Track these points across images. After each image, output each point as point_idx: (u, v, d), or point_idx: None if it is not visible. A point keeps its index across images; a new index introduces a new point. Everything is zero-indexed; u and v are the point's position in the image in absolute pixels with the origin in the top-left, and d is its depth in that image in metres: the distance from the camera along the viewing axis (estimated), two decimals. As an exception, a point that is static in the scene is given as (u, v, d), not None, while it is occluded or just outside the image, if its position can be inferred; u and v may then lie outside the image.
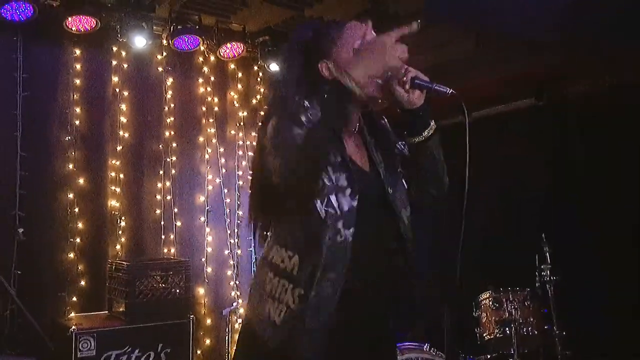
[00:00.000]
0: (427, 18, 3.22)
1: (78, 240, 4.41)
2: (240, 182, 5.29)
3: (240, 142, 5.33)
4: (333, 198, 1.68)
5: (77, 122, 4.50)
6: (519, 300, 3.95)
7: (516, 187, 4.73)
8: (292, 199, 1.71)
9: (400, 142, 1.95)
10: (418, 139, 1.84)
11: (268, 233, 1.84)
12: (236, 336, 4.95)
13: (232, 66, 5.30)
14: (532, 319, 3.91)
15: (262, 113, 5.23)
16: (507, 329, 3.88)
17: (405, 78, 1.76)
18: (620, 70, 4.06)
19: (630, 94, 4.24)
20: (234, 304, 5.00)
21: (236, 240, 5.21)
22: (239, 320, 5.11)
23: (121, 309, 4.09)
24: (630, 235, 4.24)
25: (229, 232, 5.17)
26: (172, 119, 4.96)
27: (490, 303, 4.00)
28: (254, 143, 5.22)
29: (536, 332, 3.88)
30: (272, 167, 1.65)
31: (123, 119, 4.73)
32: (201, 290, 4.94)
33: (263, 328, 1.70)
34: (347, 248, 1.67)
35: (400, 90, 1.77)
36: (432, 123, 1.85)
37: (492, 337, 3.93)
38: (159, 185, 4.86)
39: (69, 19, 4.24)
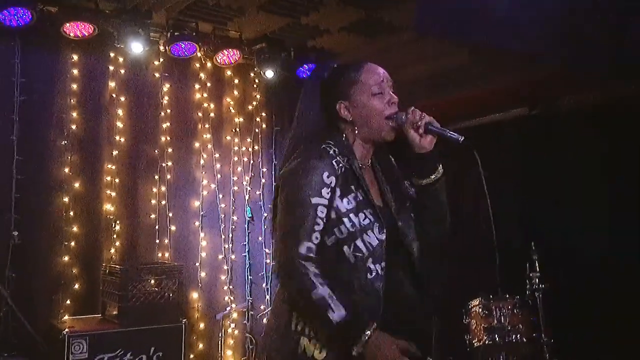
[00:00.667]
0: (417, 31, 3.28)
1: (73, 243, 4.45)
2: (235, 188, 5.33)
3: (236, 148, 5.38)
4: (359, 242, 1.77)
5: (74, 127, 4.55)
6: (508, 308, 3.98)
7: (506, 195, 4.77)
8: None
9: (406, 182, 2.02)
10: (426, 182, 1.92)
11: None
12: (229, 341, 5.03)
13: (229, 73, 5.35)
14: (521, 327, 3.94)
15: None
16: (496, 336, 3.91)
17: (420, 123, 1.85)
18: (608, 83, 4.12)
19: (621, 104, 4.30)
20: (227, 308, 5.04)
21: (230, 245, 5.25)
22: (232, 325, 5.15)
23: (114, 313, 4.13)
24: (620, 242, 4.28)
25: (223, 237, 5.20)
26: (168, 124, 5.01)
27: (480, 310, 4.03)
28: (249, 149, 5.35)
29: (525, 340, 3.91)
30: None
31: (119, 124, 4.78)
32: (195, 295, 4.98)
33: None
34: (379, 282, 1.77)
35: (414, 135, 1.87)
36: (440, 167, 1.93)
37: (481, 344, 3.97)
38: (154, 189, 4.90)
39: (67, 24, 4.29)
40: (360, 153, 1.92)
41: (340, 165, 1.82)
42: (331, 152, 1.83)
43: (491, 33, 2.97)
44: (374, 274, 1.77)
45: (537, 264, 3.94)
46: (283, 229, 1.83)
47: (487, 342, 3.94)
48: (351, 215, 1.78)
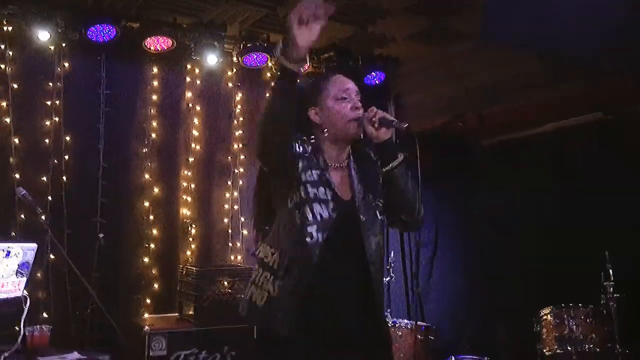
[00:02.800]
0: (484, 38, 3.29)
1: (152, 245, 4.69)
2: (304, 193, 5.43)
3: (305, 154, 5.49)
4: (307, 208, 2.04)
5: (154, 135, 4.81)
6: (581, 317, 3.92)
7: (581, 202, 4.67)
8: (267, 166, 2.12)
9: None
10: (386, 169, 2.17)
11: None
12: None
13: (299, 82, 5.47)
14: (594, 336, 3.87)
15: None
16: (568, 345, 3.85)
17: (374, 118, 2.13)
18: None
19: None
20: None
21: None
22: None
23: (190, 312, 4.32)
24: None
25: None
26: (240, 132, 5.19)
27: (551, 319, 3.99)
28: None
29: (598, 350, 3.83)
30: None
31: (195, 132, 5.00)
32: (265, 297, 5.12)
33: (243, 308, 2.13)
34: (317, 249, 2.01)
35: (370, 128, 2.14)
36: (400, 155, 2.17)
37: (552, 352, 3.92)
38: (227, 195, 5.10)
39: (148, 39, 4.54)
40: (329, 153, 2.17)
41: (308, 148, 2.12)
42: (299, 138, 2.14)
43: (558, 40, 2.95)
44: (313, 239, 2.01)
45: (611, 273, 3.86)
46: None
47: (558, 351, 3.89)
48: (308, 185, 2.05)
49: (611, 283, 3.85)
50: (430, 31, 4.66)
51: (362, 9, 4.42)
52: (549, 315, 4.02)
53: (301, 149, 2.10)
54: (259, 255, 2.15)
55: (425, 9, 4.36)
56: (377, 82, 5.37)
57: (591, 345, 3.84)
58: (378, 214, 2.18)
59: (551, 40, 2.96)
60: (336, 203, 2.08)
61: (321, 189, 2.07)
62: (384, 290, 2.25)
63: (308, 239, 2.01)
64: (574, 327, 3.89)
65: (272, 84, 2.17)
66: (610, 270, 3.85)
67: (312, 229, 2.02)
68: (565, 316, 3.95)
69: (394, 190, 2.17)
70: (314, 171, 2.09)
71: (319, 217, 2.03)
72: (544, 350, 4.00)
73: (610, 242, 3.97)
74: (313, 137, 2.18)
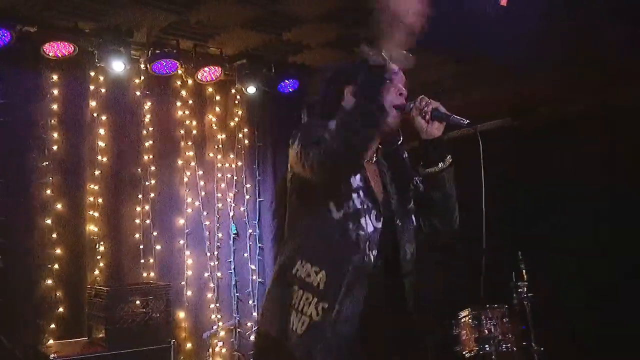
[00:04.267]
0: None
1: (56, 266, 4.37)
2: (220, 205, 5.29)
3: (219, 165, 5.35)
4: (364, 220, 1.76)
5: (55, 147, 4.48)
6: (498, 317, 4.03)
7: (492, 204, 4.82)
8: (327, 182, 1.78)
9: (417, 178, 2.00)
10: (432, 170, 1.91)
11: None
12: (217, 359, 4.97)
13: (210, 89, 5.34)
14: (510, 336, 3.99)
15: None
16: (486, 346, 3.95)
17: (426, 109, 1.86)
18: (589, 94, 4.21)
19: (602, 115, 4.40)
20: (215, 327, 4.99)
21: (216, 262, 5.21)
22: (220, 344, 5.10)
23: (101, 335, 4.05)
24: (607, 252, 4.35)
25: (208, 254, 5.16)
26: (150, 142, 4.97)
27: (470, 320, 4.07)
28: (233, 165, 5.33)
29: (515, 349, 3.96)
30: (306, 164, 1.75)
31: (101, 143, 4.73)
32: (181, 314, 4.92)
33: (286, 337, 1.77)
34: (370, 269, 1.77)
35: (421, 121, 1.88)
36: (449, 157, 1.92)
37: (472, 354, 4.00)
38: (138, 209, 4.85)
39: (46, 44, 4.24)
40: None
41: None
42: None
43: (477, 45, 3.03)
44: (368, 257, 1.77)
45: (524, 273, 4.00)
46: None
47: (477, 352, 3.97)
48: (360, 192, 1.79)
49: (524, 283, 3.99)
50: (343, 39, 4.66)
51: (276, 17, 4.35)
52: (467, 318, 4.10)
53: None
54: (296, 274, 1.80)
55: (338, 18, 4.36)
56: (290, 90, 5.32)
57: (509, 345, 3.95)
58: (413, 219, 1.95)
59: (467, 46, 3.02)
60: (378, 207, 1.81)
61: (365, 195, 1.80)
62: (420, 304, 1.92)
63: (365, 258, 1.76)
64: (492, 327, 3.99)
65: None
66: (524, 270, 3.98)
67: (365, 244, 1.76)
68: (483, 317, 4.05)
69: (438, 194, 1.92)
70: (356, 176, 1.80)
71: (370, 230, 1.78)
72: (464, 352, 4.07)
73: (524, 243, 4.12)
74: None
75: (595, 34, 3.12)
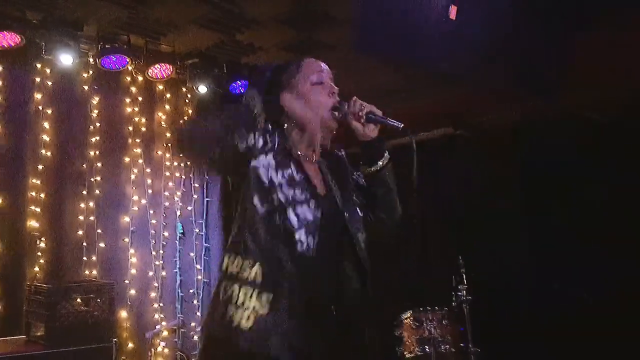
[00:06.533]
0: (355, 49, 3.40)
1: (-6, 262, 4.24)
2: (167, 203, 5.25)
3: (167, 163, 5.31)
4: (291, 212, 1.81)
5: (-4, 140, 4.36)
6: (438, 319, 4.15)
7: (434, 210, 4.97)
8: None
9: (356, 173, 2.09)
10: (374, 168, 2.00)
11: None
12: (159, 360, 4.92)
13: (161, 87, 5.29)
14: (449, 337, 4.11)
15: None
16: (426, 347, 4.06)
17: (360, 113, 1.92)
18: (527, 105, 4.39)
19: (541, 126, 4.60)
20: (158, 327, 4.94)
21: (161, 261, 5.16)
22: (162, 344, 5.05)
23: (40, 333, 3.95)
24: (541, 253, 4.55)
25: (154, 253, 5.11)
26: (97, 138, 4.88)
27: (411, 322, 4.18)
28: (181, 164, 5.29)
29: (453, 350, 4.09)
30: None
31: (45, 137, 4.61)
32: (124, 313, 4.85)
33: (230, 333, 1.76)
34: (311, 255, 1.80)
35: (357, 124, 1.94)
36: (387, 154, 2.01)
37: (412, 355, 4.11)
38: (82, 205, 4.75)
39: (-9, 34, 4.13)
40: (300, 144, 1.96)
41: (276, 141, 1.87)
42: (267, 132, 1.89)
43: (420, 53, 3.13)
44: (304, 246, 1.80)
45: (464, 277, 4.13)
46: None
47: (418, 353, 4.08)
48: (283, 187, 1.83)
49: (464, 286, 4.12)
50: (298, 41, 4.71)
51: (230, 17, 4.36)
52: (409, 319, 4.21)
53: (261, 141, 1.83)
54: (227, 270, 1.83)
55: (292, 20, 4.41)
56: (241, 90, 5.32)
57: (447, 346, 4.08)
58: (359, 210, 2.00)
59: (409, 53, 3.12)
60: (316, 200, 1.87)
61: (297, 189, 1.85)
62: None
63: (298, 247, 1.79)
64: (432, 329, 4.11)
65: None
66: (464, 274, 4.12)
67: (299, 235, 1.80)
68: (424, 319, 4.16)
69: (380, 190, 2.01)
70: (284, 170, 1.85)
71: (304, 220, 1.81)
72: (405, 353, 4.18)
73: (464, 247, 4.26)
74: (284, 125, 1.95)
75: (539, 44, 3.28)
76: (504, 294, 4.46)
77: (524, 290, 4.46)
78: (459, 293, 4.16)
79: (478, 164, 4.98)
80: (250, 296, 1.77)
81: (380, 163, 1.99)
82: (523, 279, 4.52)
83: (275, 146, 1.86)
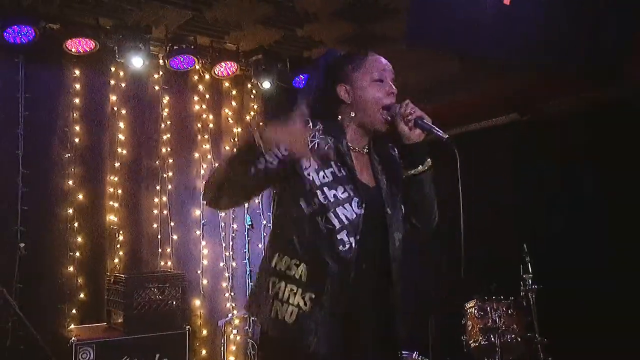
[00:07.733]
0: (408, 44, 3.41)
1: (77, 254, 4.55)
2: (235, 197, 5.41)
3: (235, 158, 5.47)
4: (332, 214, 1.87)
5: (77, 140, 4.66)
6: (503, 309, 4.11)
7: (499, 199, 4.89)
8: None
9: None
10: (412, 172, 1.99)
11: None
12: (231, 347, 5.12)
13: (227, 84, 5.47)
14: (515, 327, 4.07)
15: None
16: (491, 336, 4.03)
17: (410, 117, 1.94)
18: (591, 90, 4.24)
19: (609, 111, 4.44)
20: (230, 315, 5.14)
21: (231, 252, 5.35)
22: (234, 331, 5.25)
23: (119, 320, 4.23)
24: (612, 244, 4.40)
25: (224, 245, 5.31)
26: (168, 135, 5.12)
27: (476, 311, 4.16)
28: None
29: (519, 340, 4.03)
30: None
31: (121, 136, 4.89)
32: (197, 302, 5.08)
33: (274, 327, 1.89)
34: (352, 255, 1.86)
35: (403, 127, 1.96)
36: (428, 160, 2.00)
37: (477, 344, 4.09)
38: (156, 200, 5.01)
39: (69, 41, 4.40)
40: (352, 136, 2.01)
41: (316, 141, 1.90)
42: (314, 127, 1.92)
43: (477, 43, 3.10)
44: (347, 246, 1.85)
45: (529, 266, 4.06)
46: None
47: (482, 342, 4.06)
48: (325, 188, 1.88)
49: (530, 275, 4.06)
50: (357, 35, 4.75)
51: (290, 14, 4.46)
52: (473, 308, 4.19)
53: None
54: (276, 267, 1.91)
55: (351, 14, 4.46)
56: (305, 84, 5.41)
57: (513, 336, 4.03)
58: (402, 209, 2.03)
59: (470, 43, 3.10)
60: (360, 194, 1.90)
61: (340, 187, 1.89)
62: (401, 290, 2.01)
63: (340, 247, 1.85)
64: (497, 318, 4.07)
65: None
66: (529, 263, 4.05)
67: (342, 235, 1.85)
68: (489, 308, 4.13)
69: (416, 195, 2.02)
70: (326, 170, 1.90)
71: (345, 221, 1.86)
72: (470, 342, 4.16)
73: (530, 236, 4.19)
74: (338, 116, 2.00)
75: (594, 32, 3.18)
76: (574, 283, 4.34)
77: (595, 279, 4.33)
78: (525, 282, 4.10)
79: (545, 150, 4.86)
80: (295, 294, 1.86)
81: (420, 168, 1.99)
82: (594, 268, 4.38)
83: (316, 146, 1.89)
